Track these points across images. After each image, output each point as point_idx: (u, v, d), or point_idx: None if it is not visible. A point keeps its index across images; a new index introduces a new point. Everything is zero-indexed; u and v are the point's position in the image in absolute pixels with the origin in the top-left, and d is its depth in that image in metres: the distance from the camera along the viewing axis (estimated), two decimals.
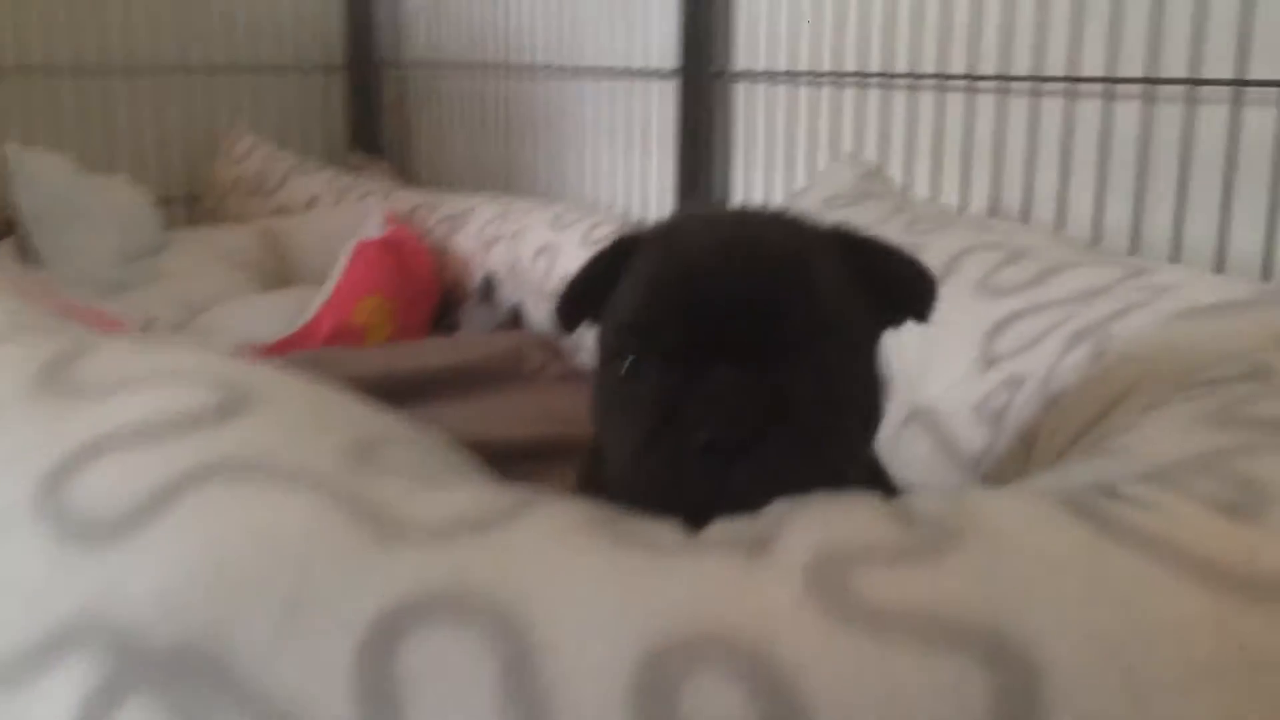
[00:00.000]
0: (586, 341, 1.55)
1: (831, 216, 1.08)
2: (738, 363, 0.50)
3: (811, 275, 0.53)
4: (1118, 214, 1.13)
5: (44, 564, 0.42)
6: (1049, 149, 1.19)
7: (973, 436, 0.71)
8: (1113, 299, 0.68)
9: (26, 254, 1.70)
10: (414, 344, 1.65)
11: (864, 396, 0.54)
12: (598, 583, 0.38)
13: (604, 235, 1.56)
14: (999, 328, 0.74)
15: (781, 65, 1.52)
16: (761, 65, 1.55)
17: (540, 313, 1.65)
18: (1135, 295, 0.67)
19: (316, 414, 0.49)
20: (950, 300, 0.81)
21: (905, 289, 0.57)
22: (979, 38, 1.24)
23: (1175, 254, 1.07)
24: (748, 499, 0.48)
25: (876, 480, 0.57)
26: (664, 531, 0.42)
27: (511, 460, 1.30)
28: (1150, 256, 1.10)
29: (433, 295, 1.86)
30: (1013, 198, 1.24)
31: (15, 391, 0.49)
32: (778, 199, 1.56)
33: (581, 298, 0.59)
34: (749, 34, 1.57)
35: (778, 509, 0.43)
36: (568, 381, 1.59)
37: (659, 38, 1.72)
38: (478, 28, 2.18)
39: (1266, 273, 0.99)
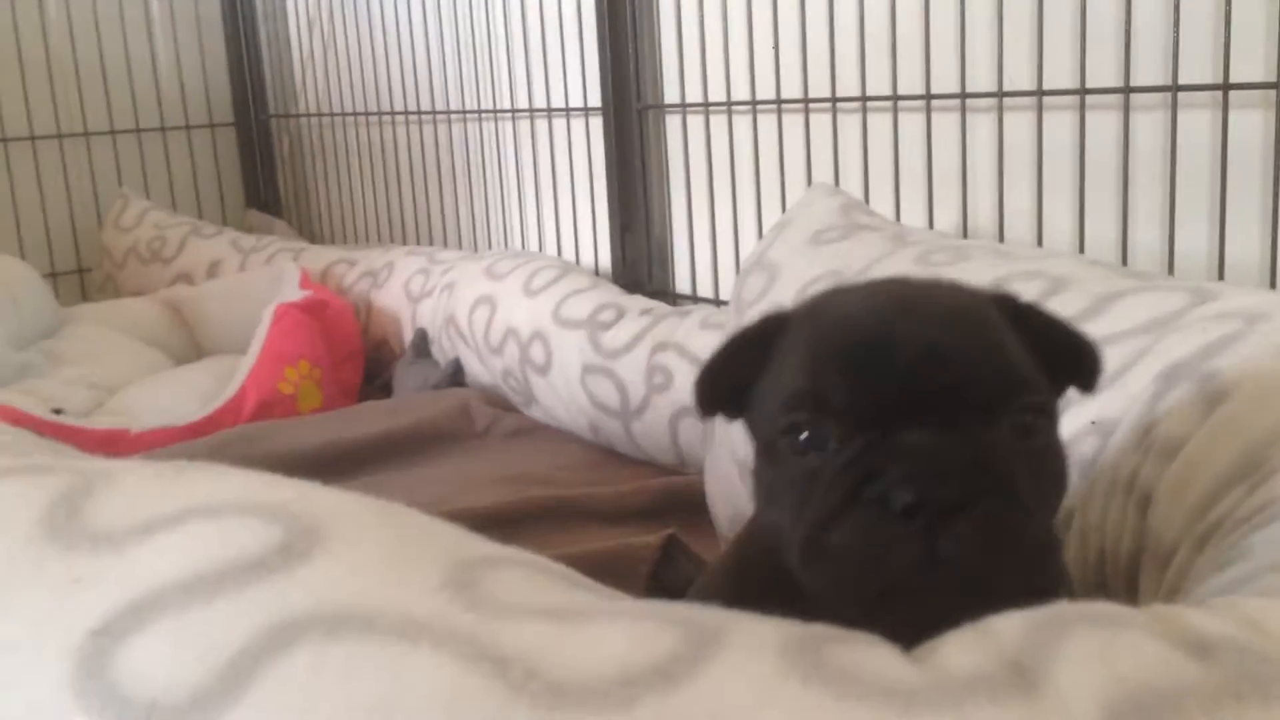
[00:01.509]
0: (539, 393, 1.47)
1: (826, 252, 1.03)
2: (930, 426, 0.45)
3: (998, 331, 0.49)
4: (1100, 228, 1.10)
5: None
6: (1019, 165, 1.16)
7: None
8: (1193, 330, 0.63)
9: None
10: (352, 410, 1.55)
11: (1060, 462, 0.50)
12: None
13: (547, 281, 1.49)
14: None
15: (719, 95, 1.47)
16: (699, 97, 1.50)
17: (483, 367, 1.57)
18: (1222, 325, 0.62)
19: (397, 539, 0.40)
20: None
21: (1071, 357, 0.53)
22: (926, 58, 1.21)
23: (1168, 267, 1.05)
24: (963, 571, 0.43)
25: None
26: (886, 660, 0.34)
27: (477, 531, 1.23)
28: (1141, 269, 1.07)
29: (359, 357, 1.76)
30: (986, 217, 1.21)
31: (17, 550, 0.40)
32: (725, 229, 1.51)
33: (725, 380, 0.54)
34: (684, 66, 1.52)
35: (1014, 625, 0.36)
36: (521, 437, 1.51)
37: (584, 75, 1.66)
38: (377, 75, 2.09)
39: (1272, 282, 0.97)
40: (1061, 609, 0.37)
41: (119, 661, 0.36)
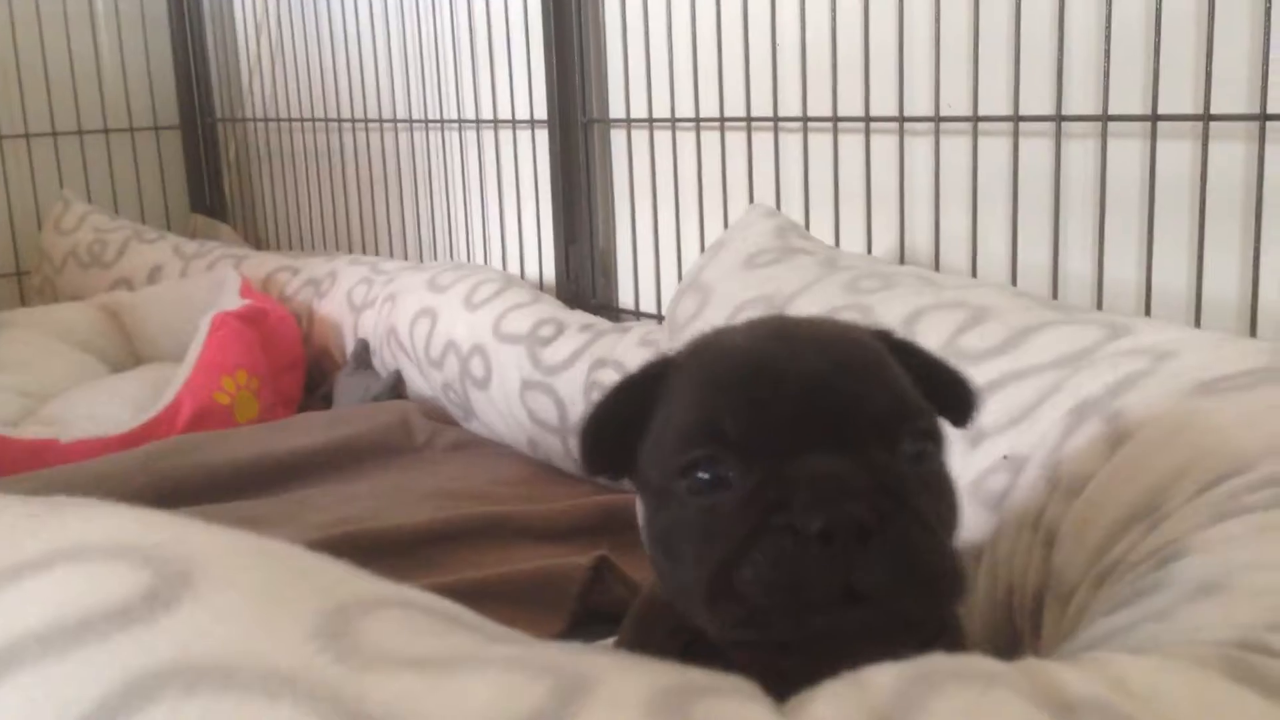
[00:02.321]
0: (478, 407, 1.46)
1: (758, 276, 1.03)
2: (830, 452, 0.45)
3: (884, 361, 0.49)
4: (1034, 254, 1.11)
5: None
6: (956, 189, 1.17)
7: (972, 522, 0.65)
8: (1105, 366, 0.63)
9: None
10: (288, 421, 1.53)
11: (952, 488, 0.50)
12: None
13: (488, 295, 1.48)
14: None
15: (663, 112, 1.47)
16: (644, 112, 1.50)
17: (423, 380, 1.56)
18: (1131, 363, 0.62)
19: (272, 583, 0.39)
20: None
21: (946, 392, 0.53)
22: (866, 80, 1.21)
23: (1097, 294, 1.05)
24: (881, 594, 0.43)
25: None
26: (755, 714, 0.34)
27: (409, 548, 1.21)
28: (1071, 298, 1.08)
29: (300, 367, 1.74)
30: (923, 238, 1.21)
31: None
32: (669, 245, 1.51)
33: (610, 430, 0.53)
34: (629, 82, 1.52)
35: (887, 678, 0.36)
36: (460, 451, 1.50)
37: (530, 87, 1.65)
38: (324, 81, 2.07)
39: (1196, 314, 0.98)
40: (936, 663, 0.37)
41: None
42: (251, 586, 0.40)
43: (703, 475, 0.47)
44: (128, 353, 1.83)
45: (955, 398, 0.53)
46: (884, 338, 0.53)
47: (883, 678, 0.36)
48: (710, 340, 0.53)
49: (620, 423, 0.53)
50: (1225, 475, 0.50)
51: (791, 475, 0.44)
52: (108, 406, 1.54)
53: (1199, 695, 0.35)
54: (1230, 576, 0.42)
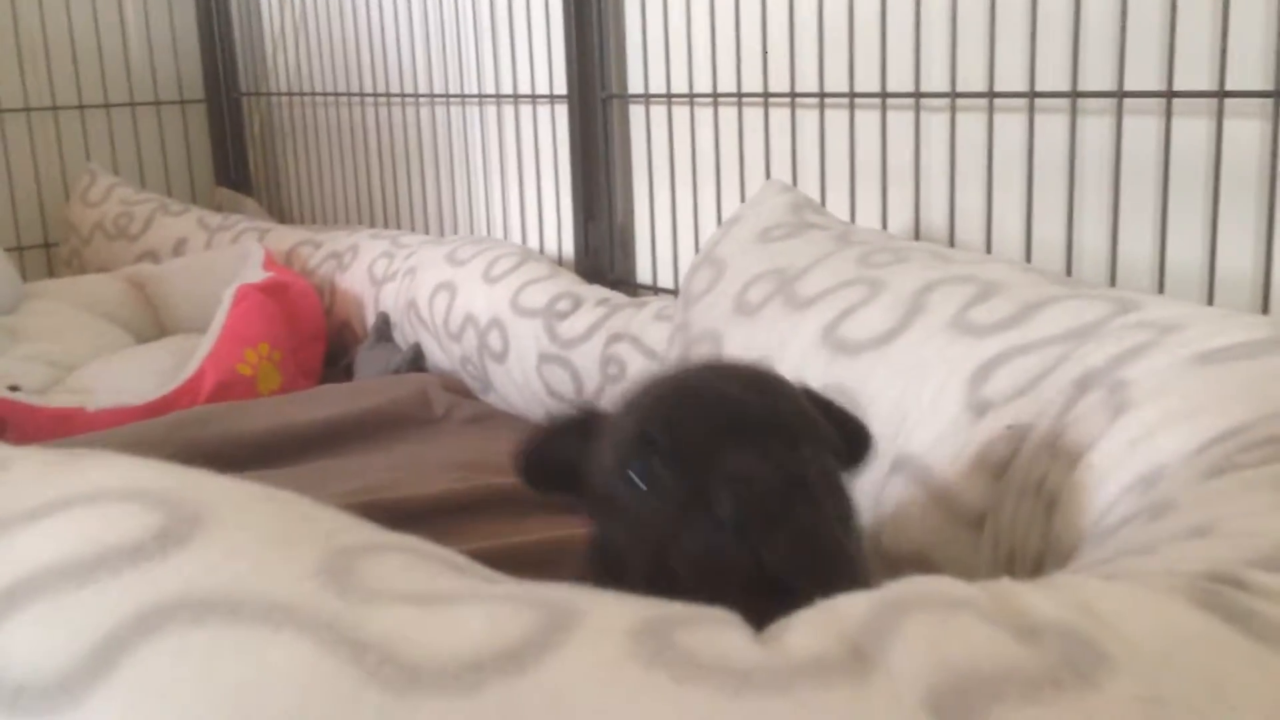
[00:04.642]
0: (496, 380, 1.47)
1: (772, 250, 1.04)
2: (747, 454, 0.53)
3: (792, 389, 0.59)
4: (1049, 230, 1.11)
5: None
6: (971, 165, 1.17)
7: (974, 492, 0.66)
8: (1110, 339, 0.64)
9: None
10: (309, 393, 1.55)
11: (852, 501, 0.58)
12: None
13: (506, 269, 1.49)
14: (984, 371, 0.70)
15: (681, 87, 1.47)
16: (662, 88, 1.50)
17: (443, 353, 1.57)
18: (1136, 335, 0.63)
19: (279, 526, 0.41)
20: (922, 340, 0.77)
21: (851, 436, 0.62)
22: (883, 56, 1.22)
23: (1111, 271, 1.06)
24: (785, 573, 0.49)
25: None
26: (732, 641, 0.35)
27: (426, 517, 1.23)
28: (1085, 274, 1.08)
29: (322, 339, 1.76)
30: (939, 214, 1.22)
31: None
32: (686, 220, 1.52)
33: (546, 458, 0.63)
34: (648, 57, 1.53)
35: (859, 606, 0.37)
36: (478, 423, 1.51)
37: (550, 63, 1.66)
38: (347, 56, 2.09)
39: (1209, 291, 0.98)
40: (907, 588, 0.38)
41: None
42: (259, 529, 0.41)
43: (638, 480, 0.55)
44: (153, 324, 1.86)
45: (859, 442, 0.63)
46: (803, 388, 0.62)
47: (855, 604, 0.38)
48: (643, 382, 0.62)
49: (554, 453, 0.62)
50: (1222, 437, 0.51)
51: (715, 475, 0.52)
52: (133, 376, 1.56)
53: (1164, 621, 0.36)
54: (1218, 523, 0.43)
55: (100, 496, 0.42)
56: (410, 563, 0.42)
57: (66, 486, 0.42)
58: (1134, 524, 0.49)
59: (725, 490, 0.51)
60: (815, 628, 0.36)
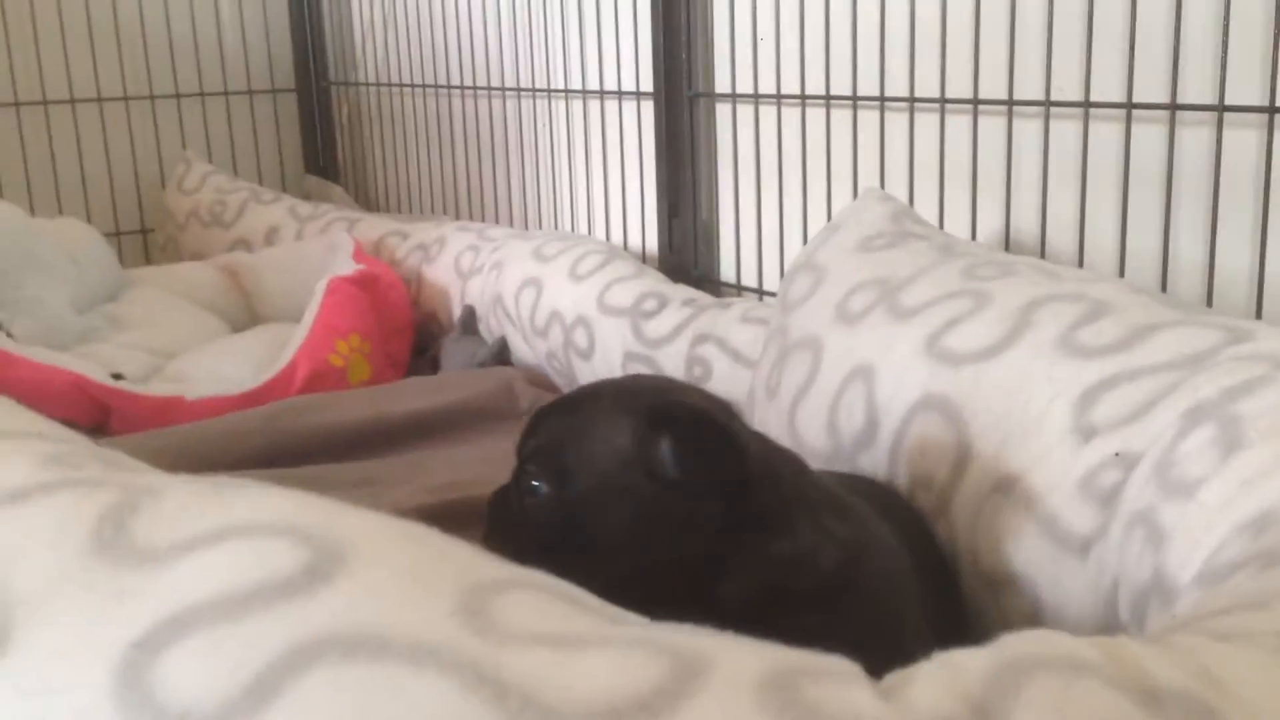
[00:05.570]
0: (581, 377, 1.50)
1: (873, 259, 1.04)
2: None
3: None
4: (1143, 241, 1.10)
5: None
6: (1065, 172, 1.16)
7: (1079, 517, 0.67)
8: (1222, 370, 0.64)
9: None
10: (399, 385, 1.59)
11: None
12: None
13: (593, 267, 1.51)
14: (1092, 394, 0.70)
15: (768, 88, 1.48)
16: (749, 88, 1.51)
17: (528, 348, 1.60)
18: (1250, 369, 0.63)
19: (419, 563, 0.43)
20: (1029, 358, 0.77)
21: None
22: (978, 61, 1.21)
23: (1208, 283, 1.05)
24: None
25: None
26: (859, 696, 0.37)
27: None
28: (1180, 286, 1.07)
29: (409, 331, 1.80)
30: (1029, 222, 1.21)
31: (69, 561, 0.43)
32: (771, 221, 1.53)
33: None
34: (735, 56, 1.53)
35: (981, 664, 0.38)
36: None
37: (637, 60, 1.67)
38: (435, 48, 2.12)
39: None
40: (1027, 646, 0.39)
41: (156, 673, 0.39)
42: (398, 565, 0.43)
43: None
44: (246, 312, 1.91)
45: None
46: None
47: (976, 661, 0.39)
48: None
49: None
50: None
51: None
52: (229, 366, 1.61)
53: None
54: None
55: (250, 530, 0.44)
56: (541, 602, 0.44)
57: (217, 519, 0.45)
58: (1246, 571, 0.49)
59: None
60: (937, 684, 0.38)
